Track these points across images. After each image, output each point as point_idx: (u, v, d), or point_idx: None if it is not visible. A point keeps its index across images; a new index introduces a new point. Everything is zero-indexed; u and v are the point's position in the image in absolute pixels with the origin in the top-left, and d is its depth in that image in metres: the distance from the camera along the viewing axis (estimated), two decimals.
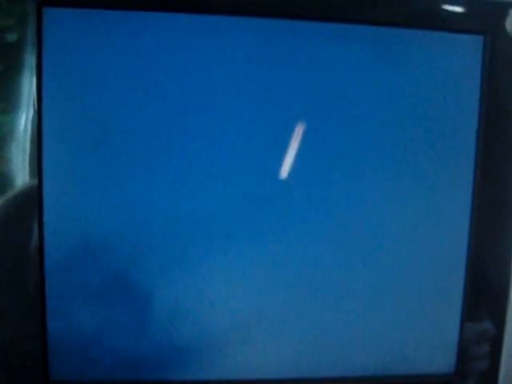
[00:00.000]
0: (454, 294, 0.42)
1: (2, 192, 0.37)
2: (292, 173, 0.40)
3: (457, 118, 0.41)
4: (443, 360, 0.43)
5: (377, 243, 0.41)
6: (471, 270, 0.42)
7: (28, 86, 0.37)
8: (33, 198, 0.37)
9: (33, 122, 0.37)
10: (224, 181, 0.39)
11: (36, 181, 0.37)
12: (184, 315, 0.40)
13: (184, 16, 0.37)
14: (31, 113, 0.37)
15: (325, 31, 0.39)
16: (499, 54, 0.41)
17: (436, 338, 0.43)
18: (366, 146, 0.40)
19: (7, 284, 0.38)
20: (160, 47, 0.38)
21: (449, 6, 0.40)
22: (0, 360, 0.38)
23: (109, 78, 0.37)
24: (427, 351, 0.43)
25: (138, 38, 0.37)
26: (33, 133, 0.37)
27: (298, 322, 0.41)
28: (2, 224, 0.38)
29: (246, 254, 0.40)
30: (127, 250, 0.39)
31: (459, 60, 0.40)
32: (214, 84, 0.38)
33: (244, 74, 0.38)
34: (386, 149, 0.40)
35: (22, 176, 0.38)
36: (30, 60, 0.36)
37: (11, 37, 0.36)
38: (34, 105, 0.37)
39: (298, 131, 0.39)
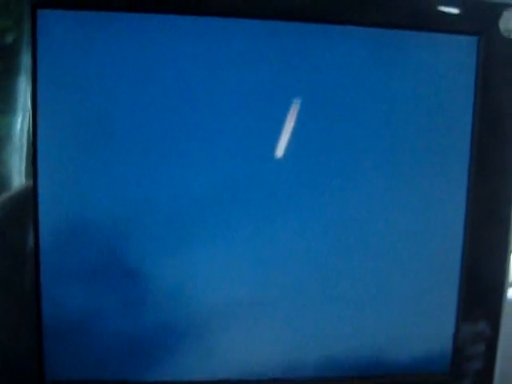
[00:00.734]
0: (448, 294, 0.43)
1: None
2: (289, 172, 0.40)
3: (451, 119, 0.41)
4: (438, 360, 0.43)
5: (371, 243, 0.41)
6: (466, 269, 0.42)
7: (26, 87, 0.37)
8: (28, 200, 0.37)
9: (29, 123, 0.37)
10: (222, 170, 0.39)
11: (31, 182, 0.37)
12: (182, 302, 0.40)
13: (180, 18, 0.37)
14: (28, 114, 0.37)
15: (320, 32, 0.39)
16: (494, 55, 0.41)
17: (431, 338, 0.43)
18: (360, 145, 0.40)
19: (1, 285, 0.38)
20: (155, 49, 0.38)
21: (443, 7, 0.40)
22: None
23: (104, 79, 0.37)
24: (422, 351, 0.43)
25: (133, 39, 0.37)
26: (29, 134, 0.37)
27: (291, 319, 0.41)
28: None
29: (239, 244, 0.40)
30: (123, 250, 0.39)
31: (453, 61, 0.40)
32: (211, 83, 0.38)
33: (241, 75, 0.39)
34: (381, 148, 0.40)
35: (18, 177, 0.38)
36: (28, 61, 0.37)
37: (9, 38, 0.37)
38: (29, 106, 0.37)
39: (294, 129, 0.39)
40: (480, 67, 0.40)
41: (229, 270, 0.40)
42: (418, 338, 0.43)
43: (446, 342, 0.43)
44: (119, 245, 0.39)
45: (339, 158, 0.40)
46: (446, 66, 0.40)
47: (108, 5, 0.37)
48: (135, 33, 0.37)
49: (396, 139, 0.41)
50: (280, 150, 0.39)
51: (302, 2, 0.38)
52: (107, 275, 0.39)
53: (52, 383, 0.39)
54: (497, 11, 0.41)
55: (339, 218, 0.41)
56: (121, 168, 0.38)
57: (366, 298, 0.42)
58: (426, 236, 0.42)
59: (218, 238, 0.40)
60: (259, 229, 0.40)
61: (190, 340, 0.40)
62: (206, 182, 0.39)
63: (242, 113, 0.39)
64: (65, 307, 0.39)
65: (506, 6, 0.41)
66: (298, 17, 0.38)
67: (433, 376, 0.43)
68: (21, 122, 0.37)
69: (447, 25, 0.40)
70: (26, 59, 0.36)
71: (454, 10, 0.40)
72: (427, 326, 0.43)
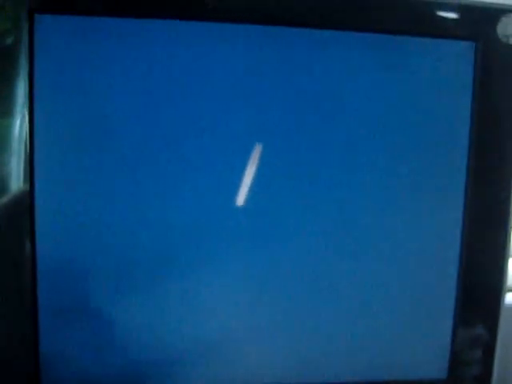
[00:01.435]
0: (446, 299, 0.42)
1: None
2: (287, 181, 0.40)
3: (448, 125, 0.41)
4: (435, 365, 0.43)
5: (367, 249, 0.41)
6: (464, 274, 0.42)
7: (24, 91, 0.37)
8: (26, 204, 0.37)
9: (26, 128, 0.37)
10: (219, 188, 0.39)
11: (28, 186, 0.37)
12: (172, 328, 0.40)
13: (178, 23, 0.37)
14: (26, 118, 0.37)
15: (317, 38, 0.39)
16: (492, 61, 0.41)
17: (428, 344, 0.43)
18: (357, 150, 0.40)
19: None
20: (152, 54, 0.37)
21: (440, 12, 0.40)
22: None
23: (101, 84, 0.37)
24: (419, 356, 0.43)
25: (131, 45, 0.37)
26: (26, 139, 0.37)
27: (288, 327, 0.41)
28: None
29: (235, 263, 0.40)
30: (118, 260, 0.39)
31: (451, 66, 0.40)
32: (209, 91, 0.38)
33: (241, 81, 0.39)
34: (378, 154, 0.40)
35: (16, 181, 0.37)
36: (27, 66, 0.36)
37: (7, 42, 0.36)
38: (26, 110, 0.37)
39: (292, 136, 0.39)
40: (478, 73, 0.40)
41: (216, 304, 0.40)
42: (416, 343, 0.42)
43: (444, 348, 0.43)
44: (115, 270, 0.39)
45: (337, 162, 0.40)
46: (444, 72, 0.40)
47: (105, 10, 0.37)
48: (132, 38, 0.37)
49: (393, 145, 0.40)
50: (277, 158, 0.39)
51: (301, 9, 0.38)
52: (105, 297, 0.39)
53: None
54: (495, 16, 0.40)
55: (337, 223, 0.41)
56: (123, 192, 0.38)
57: (363, 303, 0.41)
58: (424, 241, 0.42)
59: (210, 272, 0.40)
60: (244, 256, 0.40)
61: (179, 376, 0.40)
62: (201, 211, 0.39)
63: (239, 120, 0.39)
64: (62, 322, 0.39)
65: (504, 11, 0.40)
66: (296, 23, 0.38)
67: (430, 382, 0.43)
68: (19, 126, 0.37)
69: (445, 30, 0.40)
70: (24, 63, 0.36)
71: (452, 16, 0.40)
72: (424, 331, 0.43)
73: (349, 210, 0.41)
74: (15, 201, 0.37)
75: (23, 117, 0.37)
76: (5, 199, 0.37)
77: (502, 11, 0.41)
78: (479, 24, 0.40)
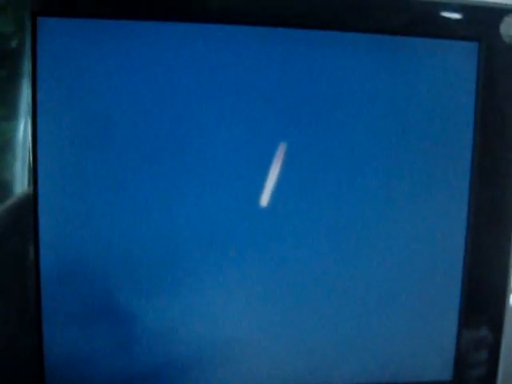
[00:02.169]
0: (450, 301, 0.42)
1: (1, 201, 0.37)
2: (289, 183, 0.40)
3: (452, 125, 0.41)
4: (440, 367, 0.43)
5: (371, 250, 0.41)
6: (468, 276, 0.42)
7: (28, 94, 0.37)
8: (29, 207, 0.37)
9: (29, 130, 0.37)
10: (223, 190, 0.39)
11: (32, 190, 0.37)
12: (178, 332, 0.40)
13: (179, 25, 0.37)
14: (29, 121, 0.37)
15: (320, 39, 0.39)
16: (495, 61, 0.40)
17: (433, 345, 0.43)
18: (361, 152, 0.40)
19: (1, 297, 0.38)
20: (155, 56, 0.37)
21: (443, 12, 0.40)
22: None
23: (104, 87, 0.37)
24: (424, 358, 0.43)
25: (133, 47, 0.37)
26: (29, 141, 0.37)
27: (294, 329, 0.41)
28: None
29: (240, 266, 0.40)
30: (123, 263, 0.39)
31: (454, 67, 0.40)
32: (211, 92, 0.38)
33: (242, 84, 0.38)
34: (382, 156, 0.40)
35: (20, 184, 0.37)
36: (30, 67, 0.37)
37: (11, 45, 0.36)
38: (29, 113, 0.37)
39: (296, 138, 0.39)
40: (481, 73, 0.40)
41: (221, 308, 0.40)
42: (421, 345, 0.42)
43: (449, 349, 0.43)
44: (114, 277, 0.39)
45: (341, 163, 0.40)
46: (447, 72, 0.40)
47: (107, 13, 0.37)
48: (135, 40, 0.37)
49: (397, 146, 0.40)
50: (282, 160, 0.39)
51: (302, 9, 0.38)
52: (109, 301, 0.39)
53: None
54: (498, 16, 0.40)
55: (340, 225, 0.40)
56: (127, 195, 0.38)
57: (368, 306, 0.41)
58: (428, 243, 0.42)
59: (213, 275, 0.39)
60: (255, 259, 0.40)
61: (186, 378, 0.40)
62: (206, 213, 0.39)
63: (240, 122, 0.39)
64: (66, 326, 0.39)
65: (507, 11, 0.40)
66: (298, 24, 0.38)
67: (436, 383, 0.43)
68: (22, 129, 0.37)
69: (448, 30, 0.40)
70: (27, 66, 0.36)
71: (455, 16, 0.40)
72: (429, 333, 0.42)
73: (353, 212, 0.40)
74: (19, 204, 0.37)
75: (26, 120, 0.37)
76: (9, 202, 0.37)
77: (504, 11, 0.40)
78: (482, 24, 0.40)
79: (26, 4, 0.36)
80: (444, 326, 0.42)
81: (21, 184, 0.37)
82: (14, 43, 0.36)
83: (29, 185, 0.37)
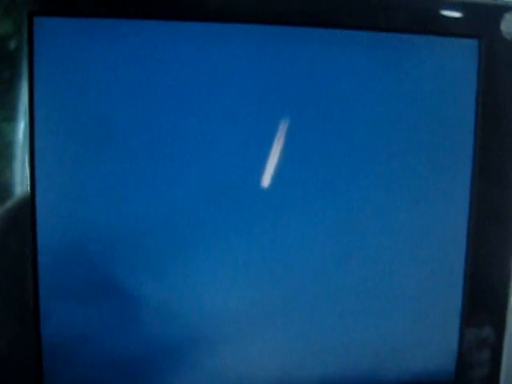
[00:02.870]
0: (453, 301, 0.42)
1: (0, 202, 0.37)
2: (288, 179, 0.39)
3: (453, 122, 0.41)
4: (443, 368, 0.43)
5: (373, 249, 0.41)
6: (470, 275, 0.42)
7: (25, 93, 0.37)
8: (28, 208, 0.37)
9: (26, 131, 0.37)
10: (219, 178, 0.39)
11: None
12: (177, 320, 0.39)
13: (177, 24, 0.37)
14: (26, 121, 0.37)
15: (321, 37, 0.39)
16: (495, 58, 0.40)
17: (435, 346, 0.42)
18: (362, 149, 0.40)
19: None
20: (152, 55, 0.37)
21: (444, 10, 0.40)
22: None
23: (102, 87, 0.37)
24: (426, 358, 0.42)
25: (130, 46, 0.37)
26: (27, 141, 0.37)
27: (295, 328, 0.41)
28: None
29: (236, 254, 0.39)
30: (120, 254, 0.39)
31: (455, 64, 0.40)
32: (210, 90, 0.38)
33: (241, 82, 0.38)
34: (383, 153, 0.40)
35: (18, 185, 0.37)
36: (27, 68, 0.36)
37: (8, 46, 0.36)
38: (26, 114, 0.37)
39: (295, 134, 0.39)
40: (482, 70, 0.40)
41: (222, 287, 0.39)
42: (423, 345, 0.42)
43: (451, 350, 0.42)
44: (115, 258, 0.39)
45: (341, 162, 0.40)
46: (448, 70, 0.40)
47: (105, 12, 0.37)
48: (132, 40, 0.37)
49: (398, 143, 0.40)
50: (280, 155, 0.39)
51: (303, 7, 0.38)
52: (106, 294, 0.39)
53: None
54: (498, 14, 0.40)
55: (341, 222, 0.40)
56: (118, 176, 0.38)
57: (369, 306, 0.41)
58: (429, 242, 0.41)
59: (213, 254, 0.39)
60: (257, 239, 0.40)
61: (186, 358, 0.40)
62: (200, 190, 0.39)
63: (238, 119, 0.39)
64: (63, 321, 0.39)
65: (508, 8, 0.40)
66: (298, 22, 0.38)
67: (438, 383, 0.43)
68: (20, 130, 0.37)
69: (448, 28, 0.40)
70: (24, 66, 0.36)
71: (456, 13, 0.40)
72: (431, 334, 0.42)
73: (355, 210, 0.40)
74: (17, 204, 0.37)
75: (23, 120, 0.37)
76: (10, 201, 0.37)
77: (505, 8, 0.40)
78: (483, 21, 0.40)
79: (23, 4, 0.36)
80: (446, 326, 0.42)
81: (19, 184, 0.37)
82: (10, 44, 0.36)
83: (26, 185, 0.37)
